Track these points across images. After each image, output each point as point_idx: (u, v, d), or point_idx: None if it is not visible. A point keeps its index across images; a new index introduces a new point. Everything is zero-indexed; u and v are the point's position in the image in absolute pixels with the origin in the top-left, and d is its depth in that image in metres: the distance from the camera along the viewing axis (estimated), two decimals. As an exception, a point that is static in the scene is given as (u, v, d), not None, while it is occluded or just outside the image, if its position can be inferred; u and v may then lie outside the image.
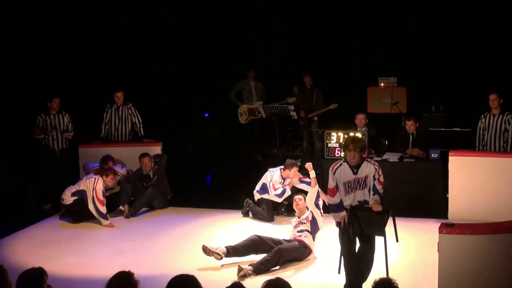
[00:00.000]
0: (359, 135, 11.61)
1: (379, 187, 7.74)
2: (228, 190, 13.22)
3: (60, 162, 12.37)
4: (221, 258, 9.04)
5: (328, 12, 16.20)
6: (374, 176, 7.74)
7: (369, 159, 8.05)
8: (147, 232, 10.78)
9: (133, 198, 12.03)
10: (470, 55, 15.30)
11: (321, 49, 16.27)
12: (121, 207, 11.71)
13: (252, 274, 8.57)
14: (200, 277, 5.29)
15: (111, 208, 11.73)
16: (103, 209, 11.13)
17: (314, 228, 9.46)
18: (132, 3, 16.18)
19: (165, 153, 12.58)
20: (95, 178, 11.22)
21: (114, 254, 9.71)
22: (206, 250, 9.07)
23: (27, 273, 5.56)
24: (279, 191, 11.15)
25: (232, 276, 8.37)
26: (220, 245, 9.20)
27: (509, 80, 14.41)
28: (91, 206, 11.08)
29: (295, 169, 11.13)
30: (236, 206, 11.88)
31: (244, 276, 8.51)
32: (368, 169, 7.77)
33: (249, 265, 8.69)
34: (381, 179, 7.80)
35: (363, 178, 7.76)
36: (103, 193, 11.22)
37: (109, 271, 5.70)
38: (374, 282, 5.17)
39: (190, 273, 5.29)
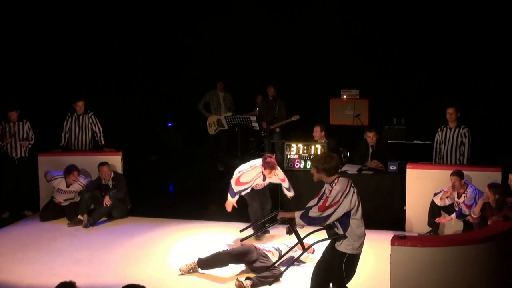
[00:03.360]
0: (317, 146, 11.73)
1: (315, 208, 7.19)
2: (189, 200, 13.20)
3: (18, 171, 12.30)
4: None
5: (293, 23, 16.27)
6: (325, 194, 7.28)
7: (337, 179, 7.28)
8: (105, 242, 10.74)
9: (92, 207, 11.99)
10: (432, 68, 15.44)
11: (284, 60, 16.34)
12: (79, 217, 11.66)
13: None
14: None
15: (70, 217, 11.76)
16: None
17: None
18: (95, 8, 16.09)
19: (125, 164, 12.56)
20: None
21: (70, 264, 9.65)
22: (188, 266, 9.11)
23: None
24: (236, 189, 10.54)
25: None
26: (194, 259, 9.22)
27: (468, 93, 14.62)
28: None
29: (268, 171, 10.52)
30: (195, 216, 11.93)
31: None
32: (328, 187, 7.28)
33: (246, 279, 8.62)
34: (328, 201, 7.12)
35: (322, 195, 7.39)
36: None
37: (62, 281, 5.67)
38: None
39: (143, 283, 5.29)
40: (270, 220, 8.90)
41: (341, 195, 7.14)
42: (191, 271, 9.13)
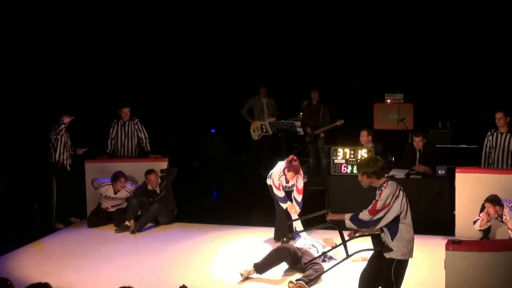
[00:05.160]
0: (364, 151, 11.62)
1: (365, 212, 7.08)
2: (233, 206, 13.16)
3: (70, 179, 12.36)
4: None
5: (337, 27, 16.20)
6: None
7: (387, 182, 7.16)
8: (153, 248, 10.75)
9: (139, 213, 12.01)
10: (478, 71, 15.25)
11: (328, 65, 16.27)
12: (127, 222, 11.70)
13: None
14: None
15: (117, 223, 11.84)
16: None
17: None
18: (140, 17, 16.19)
19: (174, 167, 12.57)
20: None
21: (119, 270, 9.66)
22: (246, 271, 9.13)
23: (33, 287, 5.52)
24: (280, 195, 10.66)
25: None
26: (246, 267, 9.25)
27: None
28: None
29: (292, 174, 10.56)
30: (241, 222, 11.90)
31: None
32: (377, 192, 7.15)
33: (296, 281, 8.70)
34: (377, 204, 7.02)
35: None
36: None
37: (113, 287, 5.66)
38: None
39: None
40: (318, 222, 8.95)
41: (391, 198, 7.00)
42: (250, 274, 9.14)
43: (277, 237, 10.86)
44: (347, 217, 7.18)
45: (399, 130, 14.68)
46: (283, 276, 9.28)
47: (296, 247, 9.54)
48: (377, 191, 7.15)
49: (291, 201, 10.69)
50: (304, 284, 8.64)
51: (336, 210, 9.91)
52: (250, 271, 9.14)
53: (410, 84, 15.50)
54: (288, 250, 9.34)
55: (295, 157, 10.65)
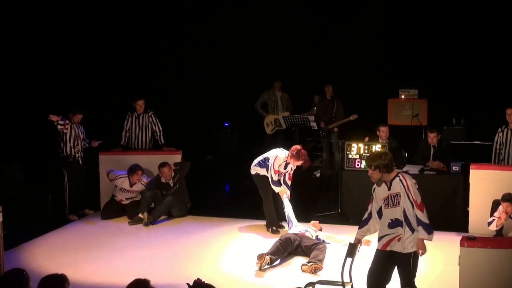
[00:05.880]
0: (378, 146, 11.57)
1: (419, 213, 6.98)
2: (245, 199, 13.16)
3: (82, 171, 12.36)
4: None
5: (351, 22, 16.16)
6: (407, 194, 7.02)
7: (401, 174, 7.17)
8: (166, 240, 10.77)
9: (153, 206, 12.02)
10: (493, 67, 15.17)
11: (343, 60, 16.22)
12: (140, 215, 11.71)
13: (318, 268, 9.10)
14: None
15: (131, 215, 11.86)
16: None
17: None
18: (154, 9, 16.19)
19: (187, 161, 12.57)
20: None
21: (132, 262, 9.69)
22: (262, 257, 9.26)
23: (49, 279, 5.51)
24: (275, 178, 10.95)
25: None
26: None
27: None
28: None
29: (297, 162, 10.87)
30: (253, 215, 11.89)
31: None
32: (399, 185, 7.08)
33: (310, 263, 9.15)
34: (417, 198, 7.00)
35: (394, 195, 7.14)
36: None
37: (127, 279, 5.66)
38: None
39: (207, 281, 5.24)
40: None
41: (417, 188, 7.05)
42: (267, 263, 9.29)
43: (268, 227, 11.24)
44: (425, 236, 7.00)
45: (413, 126, 14.61)
46: (288, 261, 9.66)
47: (294, 233, 9.95)
48: (391, 186, 7.08)
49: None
50: (319, 264, 9.11)
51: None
52: (266, 260, 9.26)
53: (424, 80, 15.43)
54: (290, 238, 9.72)
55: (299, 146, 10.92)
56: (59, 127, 11.96)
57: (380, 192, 7.23)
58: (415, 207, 6.97)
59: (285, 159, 10.85)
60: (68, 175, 12.18)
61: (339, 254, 9.24)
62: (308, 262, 9.20)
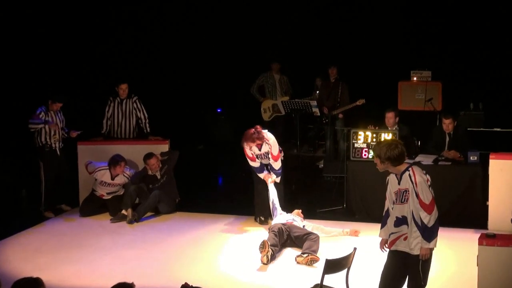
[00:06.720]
0: (388, 135, 11.61)
1: (423, 215, 6.90)
2: (241, 193, 13.20)
3: (60, 163, 12.38)
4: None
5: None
6: (415, 192, 6.94)
7: (411, 168, 7.09)
8: (152, 239, 10.80)
9: (137, 202, 12.05)
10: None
11: (348, 39, 16.22)
12: (123, 211, 11.73)
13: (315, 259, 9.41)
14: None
15: (113, 212, 11.89)
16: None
17: None
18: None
19: (175, 150, 12.60)
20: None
21: (115, 263, 9.71)
22: (265, 245, 9.46)
23: (22, 282, 5.53)
24: (255, 165, 11.34)
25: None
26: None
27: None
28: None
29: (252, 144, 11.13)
30: (248, 211, 11.92)
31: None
32: (407, 181, 7.02)
33: (305, 254, 9.48)
34: (425, 198, 6.90)
35: (403, 191, 7.10)
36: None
37: (110, 282, 5.69)
38: None
39: (197, 284, 5.28)
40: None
41: (429, 186, 6.97)
42: (270, 255, 9.50)
43: (256, 217, 11.57)
44: (425, 244, 6.94)
45: (426, 111, 14.63)
46: (282, 255, 9.88)
47: (281, 223, 10.22)
48: (401, 180, 7.10)
49: (269, 172, 11.34)
50: (315, 255, 9.42)
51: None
52: (270, 251, 9.47)
53: (439, 60, 15.43)
54: (282, 229, 10.03)
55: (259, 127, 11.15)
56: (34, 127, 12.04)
57: (392, 185, 7.21)
58: (421, 207, 6.90)
59: (247, 146, 11.18)
60: (44, 166, 12.20)
61: (332, 246, 9.57)
62: (303, 254, 9.50)
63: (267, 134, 11.19)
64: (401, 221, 7.08)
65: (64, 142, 12.43)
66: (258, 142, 11.00)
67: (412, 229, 6.98)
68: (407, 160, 7.27)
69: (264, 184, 11.32)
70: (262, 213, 11.51)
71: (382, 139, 11.57)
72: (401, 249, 7.09)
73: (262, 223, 11.40)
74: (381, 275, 7.31)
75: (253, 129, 10.98)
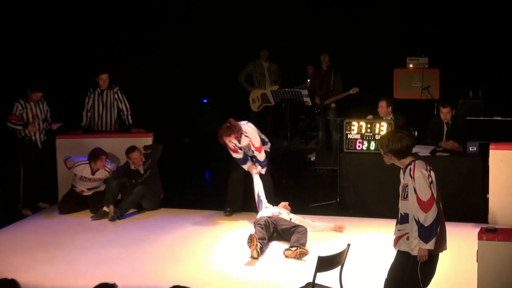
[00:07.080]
0: (384, 124, 11.60)
1: (420, 213, 6.76)
2: (227, 187, 13.18)
3: (41, 157, 12.33)
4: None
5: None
6: (413, 188, 6.85)
7: (413, 162, 6.93)
8: (136, 238, 10.78)
9: (120, 198, 12.02)
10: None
11: (341, 24, 16.20)
12: (105, 208, 11.70)
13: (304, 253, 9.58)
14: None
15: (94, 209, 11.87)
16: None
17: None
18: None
19: (159, 143, 12.57)
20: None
21: (97, 263, 9.66)
22: (253, 239, 9.56)
23: (-4, 284, 5.51)
24: (238, 156, 11.50)
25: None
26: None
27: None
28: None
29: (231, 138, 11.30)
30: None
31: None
32: (408, 176, 6.92)
33: (293, 247, 9.62)
34: (422, 195, 6.76)
35: (405, 186, 7.00)
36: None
37: (91, 283, 5.66)
38: None
39: (186, 285, 5.24)
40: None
41: (429, 183, 6.81)
42: (259, 248, 9.63)
43: (225, 209, 11.86)
44: (423, 246, 6.81)
45: (423, 100, 14.66)
46: (271, 249, 10.03)
47: (267, 216, 10.37)
48: (404, 175, 7.03)
49: (254, 163, 11.52)
50: (304, 249, 9.60)
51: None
52: (258, 245, 9.56)
53: (436, 46, 15.44)
54: (268, 221, 10.22)
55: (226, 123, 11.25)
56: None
57: (400, 178, 7.12)
58: (418, 204, 6.78)
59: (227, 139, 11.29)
60: (22, 160, 12.16)
61: (324, 242, 9.70)
62: (292, 247, 9.65)
63: (245, 126, 11.30)
64: (404, 219, 7.01)
65: (46, 135, 12.38)
66: (235, 135, 11.13)
67: (413, 228, 6.90)
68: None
69: (239, 175, 11.60)
70: (230, 205, 11.73)
71: (377, 130, 11.58)
72: (403, 249, 7.05)
73: (225, 214, 11.69)
74: (387, 275, 7.27)
75: (226, 123, 11.13)
